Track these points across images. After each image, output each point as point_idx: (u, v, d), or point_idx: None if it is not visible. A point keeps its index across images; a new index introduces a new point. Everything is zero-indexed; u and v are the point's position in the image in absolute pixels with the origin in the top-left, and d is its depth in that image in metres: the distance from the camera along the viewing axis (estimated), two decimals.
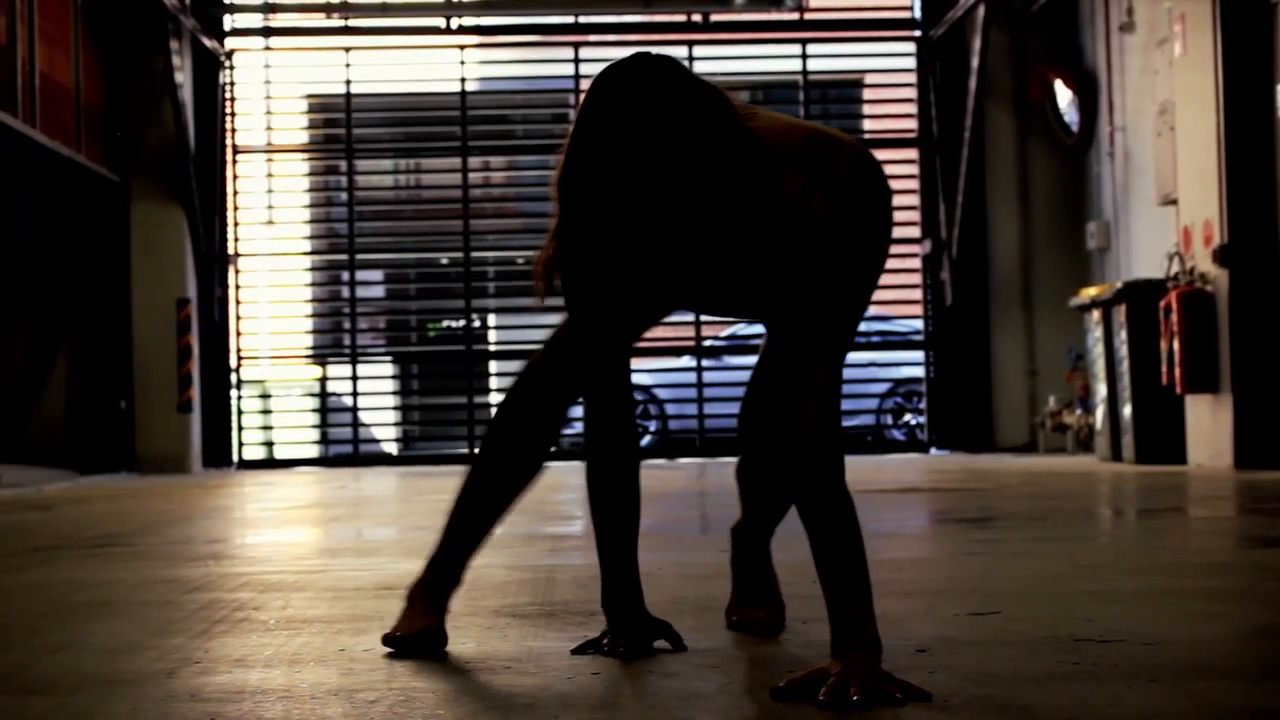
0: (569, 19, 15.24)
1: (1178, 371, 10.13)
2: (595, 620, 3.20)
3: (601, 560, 2.95)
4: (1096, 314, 11.52)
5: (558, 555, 4.98)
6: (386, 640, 2.92)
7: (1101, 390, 11.51)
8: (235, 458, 14.94)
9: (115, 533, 6.50)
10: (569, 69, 14.96)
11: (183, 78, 14.01)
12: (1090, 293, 11.64)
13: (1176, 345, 10.13)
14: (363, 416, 15.41)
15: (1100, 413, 11.64)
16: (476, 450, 3.10)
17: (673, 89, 2.65)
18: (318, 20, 15.27)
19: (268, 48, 15.34)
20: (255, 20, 15.30)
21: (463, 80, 15.16)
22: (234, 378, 15.01)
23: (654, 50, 2.76)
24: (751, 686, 2.42)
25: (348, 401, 15.35)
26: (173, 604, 3.75)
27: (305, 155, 15.77)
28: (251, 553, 5.33)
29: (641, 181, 2.59)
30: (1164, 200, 11.46)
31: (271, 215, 15.43)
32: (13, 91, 11.21)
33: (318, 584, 4.14)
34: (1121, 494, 8.04)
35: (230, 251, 14.94)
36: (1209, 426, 10.16)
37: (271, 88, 15.41)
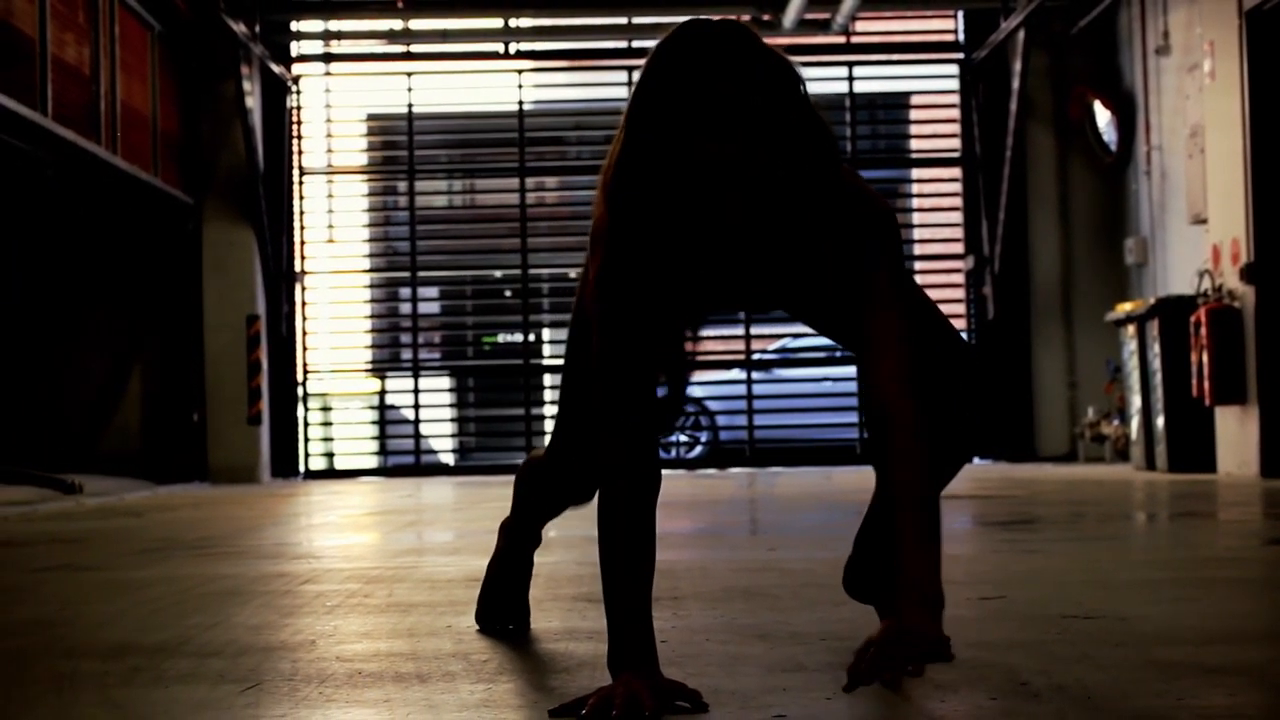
0: (622, 44, 15.77)
1: (1207, 384, 10.55)
2: (658, 606, 3.72)
3: (618, 611, 2.44)
4: (1131, 328, 11.93)
5: None
6: (478, 618, 3.44)
7: (1136, 402, 11.92)
8: (301, 468, 15.52)
9: (212, 536, 7.07)
10: (622, 91, 15.48)
11: (252, 102, 14.60)
12: (1125, 308, 12.05)
13: (1206, 359, 10.55)
14: (422, 428, 15.94)
15: (1135, 423, 12.05)
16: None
17: (746, 60, 2.38)
18: (380, 46, 15.85)
19: (328, 73, 15.92)
20: (321, 47, 15.90)
21: (520, 102, 15.71)
22: (300, 391, 15.59)
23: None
24: (794, 653, 2.94)
25: (407, 414, 15.89)
26: (291, 593, 4.30)
27: (367, 175, 16.36)
28: (345, 552, 5.88)
29: (708, 170, 2.35)
30: (1195, 219, 11.88)
31: (334, 234, 16.01)
32: (96, 119, 11.84)
33: (413, 576, 4.69)
34: (1147, 500, 8.46)
35: (297, 269, 15.53)
36: (1237, 436, 10.58)
37: (335, 111, 16.00)
